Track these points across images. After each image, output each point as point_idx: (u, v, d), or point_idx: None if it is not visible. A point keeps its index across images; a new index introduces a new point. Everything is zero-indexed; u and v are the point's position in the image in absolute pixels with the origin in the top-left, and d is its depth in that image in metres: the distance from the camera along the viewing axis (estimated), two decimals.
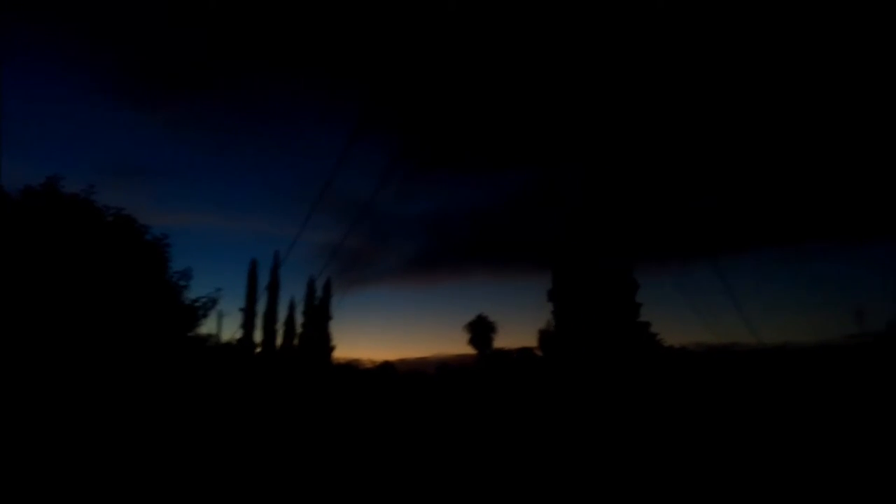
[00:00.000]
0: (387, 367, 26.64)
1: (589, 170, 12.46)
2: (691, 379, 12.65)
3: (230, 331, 25.53)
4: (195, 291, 11.68)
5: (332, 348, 23.36)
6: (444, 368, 25.25)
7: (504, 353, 23.35)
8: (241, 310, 22.28)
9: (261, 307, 23.12)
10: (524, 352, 20.53)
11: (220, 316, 21.28)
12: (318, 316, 23.07)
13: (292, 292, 24.65)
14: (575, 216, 12.10)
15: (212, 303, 11.43)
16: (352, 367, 25.56)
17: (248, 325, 22.10)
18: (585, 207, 11.95)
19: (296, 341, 23.04)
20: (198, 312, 11.13)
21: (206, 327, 16.66)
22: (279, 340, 22.74)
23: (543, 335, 18.52)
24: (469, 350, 26.44)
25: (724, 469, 7.03)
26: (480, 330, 25.26)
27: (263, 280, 22.72)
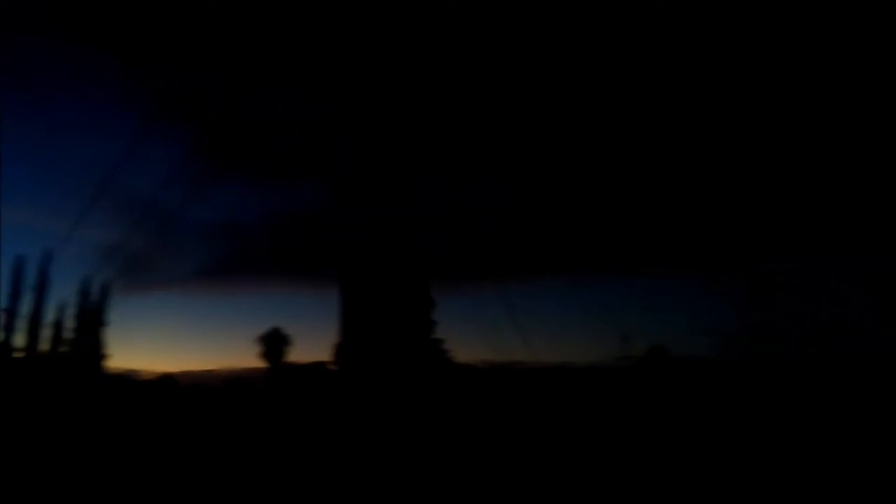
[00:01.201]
0: (167, 379, 25.06)
1: (375, 182, 12.59)
2: (478, 393, 13.17)
3: None
4: None
5: (104, 356, 21.64)
6: (232, 382, 24.20)
7: (296, 367, 22.80)
8: (4, 310, 20.03)
9: (26, 308, 20.99)
10: (317, 366, 20.17)
11: None
12: (92, 321, 21.24)
13: (64, 294, 22.48)
14: (364, 229, 12.20)
15: None
16: (128, 378, 23.83)
17: (9, 328, 19.86)
18: (376, 220, 12.10)
19: (64, 347, 21.07)
20: None
21: None
22: (45, 346, 20.68)
23: (338, 349, 18.36)
24: (260, 363, 25.47)
25: (508, 479, 7.33)
26: (273, 343, 24.46)
27: (30, 279, 20.58)
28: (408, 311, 13.16)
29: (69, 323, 21.68)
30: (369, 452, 9.41)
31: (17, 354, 19.15)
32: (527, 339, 10.20)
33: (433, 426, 10.47)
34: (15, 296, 20.32)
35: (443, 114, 13.62)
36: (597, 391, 12.88)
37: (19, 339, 19.54)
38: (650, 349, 11.48)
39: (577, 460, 8.45)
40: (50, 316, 20.82)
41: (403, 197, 13.64)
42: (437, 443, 9.75)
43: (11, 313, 20.16)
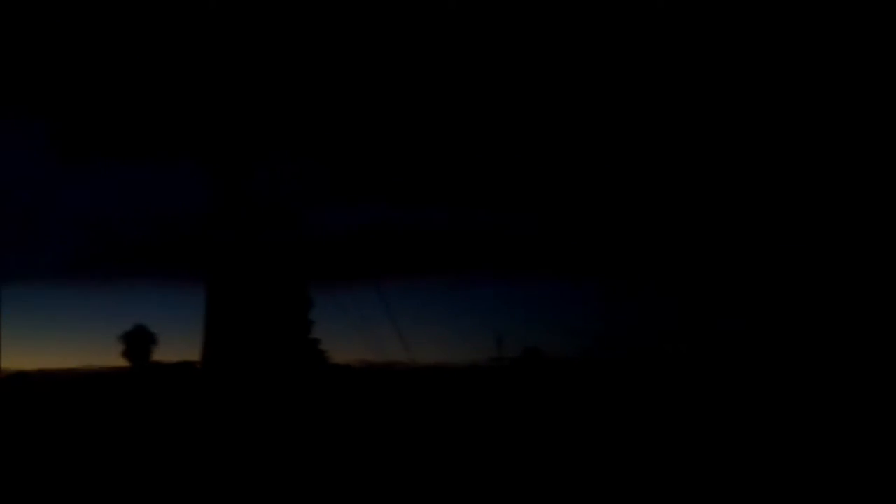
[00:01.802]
0: (18, 377, 23.30)
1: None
2: (353, 394, 13.01)
3: None
4: None
5: None
6: (91, 381, 22.83)
7: (162, 367, 21.76)
8: None
9: None
10: (185, 365, 19.31)
11: None
12: None
13: None
14: (235, 225, 11.80)
15: None
16: None
17: None
18: (249, 217, 11.73)
19: None
20: None
21: None
22: None
23: (206, 348, 17.67)
24: (124, 362, 24.11)
25: (383, 480, 7.22)
26: (137, 341, 23.24)
27: None
28: (282, 310, 12.80)
29: None
30: (236, 453, 9.08)
31: None
32: (404, 339, 10.13)
33: (306, 427, 10.22)
34: None
35: (325, 110, 13.36)
36: (472, 392, 13.06)
37: None
38: (524, 350, 11.72)
39: (451, 460, 8.47)
40: None
41: (278, 194, 13.30)
42: (310, 443, 9.52)
43: None
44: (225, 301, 12.87)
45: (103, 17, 12.71)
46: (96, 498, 7.55)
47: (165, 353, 19.51)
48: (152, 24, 13.23)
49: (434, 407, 12.43)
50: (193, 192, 14.72)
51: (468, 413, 11.53)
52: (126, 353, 23.13)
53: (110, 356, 18.31)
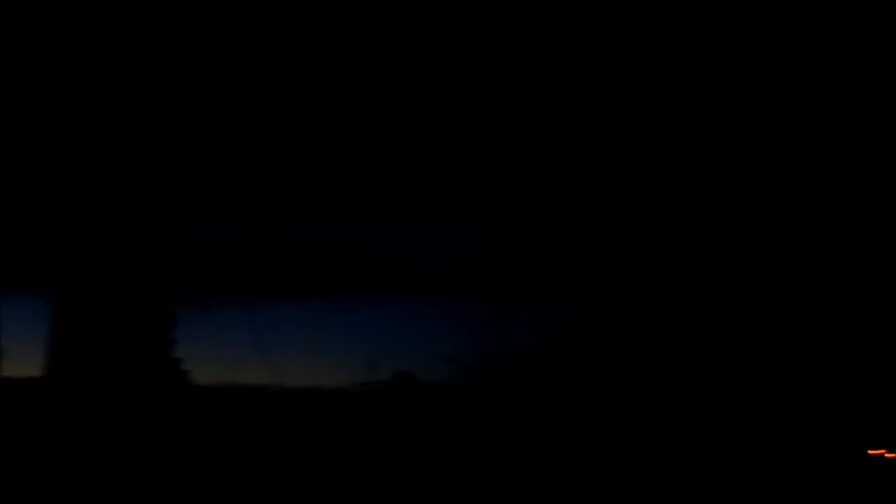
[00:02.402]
0: None
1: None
2: (214, 416, 12.30)
3: None
4: None
5: None
6: None
7: (4, 381, 19.84)
8: None
9: None
10: (29, 381, 17.70)
11: None
12: None
13: None
14: (88, 233, 10.96)
15: None
16: None
17: None
18: (104, 224, 10.91)
19: None
20: None
21: None
22: None
23: (52, 364, 16.24)
24: None
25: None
26: None
27: None
28: (139, 326, 11.98)
29: None
30: (80, 471, 8.39)
31: None
32: (271, 361, 9.67)
33: (160, 448, 9.57)
34: None
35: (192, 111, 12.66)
36: (340, 416, 12.61)
37: None
38: (396, 375, 11.46)
39: (316, 485, 8.15)
40: None
41: (138, 203, 12.43)
42: (163, 465, 8.92)
43: None
44: (72, 314, 11.90)
45: None
46: None
47: (8, 367, 17.88)
48: None
49: (300, 431, 11.93)
50: (42, 192, 13.54)
51: (335, 437, 11.15)
52: None
53: None
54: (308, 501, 6.89)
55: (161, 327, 11.99)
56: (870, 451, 3.81)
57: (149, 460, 8.46)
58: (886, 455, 3.72)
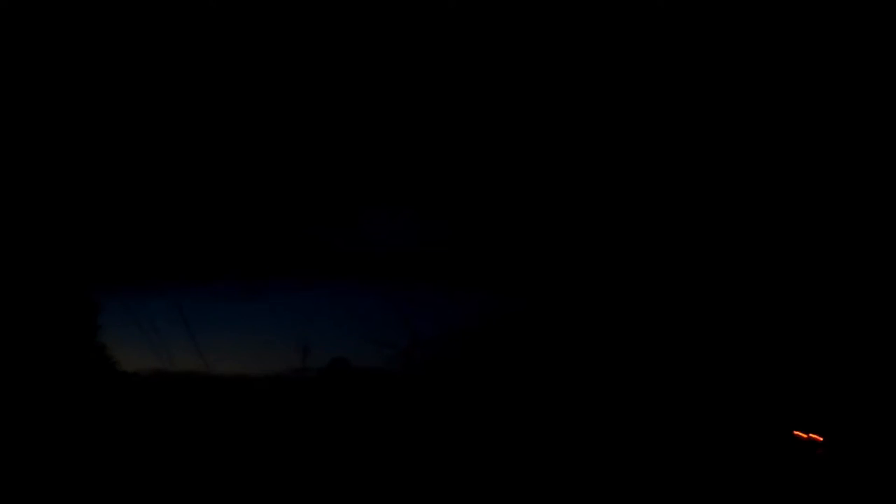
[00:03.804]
0: None
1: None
2: (143, 403, 11.98)
3: None
4: None
5: None
6: None
7: None
8: None
9: None
10: None
11: None
12: None
13: None
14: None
15: None
16: None
17: None
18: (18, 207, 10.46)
19: None
20: None
21: None
22: None
23: None
24: None
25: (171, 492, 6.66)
26: None
27: None
28: (60, 312, 11.56)
29: None
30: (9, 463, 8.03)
31: None
32: (200, 347, 9.42)
33: (87, 436, 9.27)
34: None
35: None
36: (274, 403, 12.44)
37: None
38: (331, 361, 11.32)
39: (249, 473, 8.00)
40: None
41: (58, 181, 11.99)
42: (89, 453, 8.65)
43: None
44: None
45: None
46: None
47: None
48: None
49: (232, 419, 11.73)
50: None
51: (269, 425, 10.99)
52: None
53: None
54: (240, 492, 6.72)
55: (82, 313, 11.54)
56: (796, 433, 3.88)
57: (75, 450, 8.11)
58: (809, 437, 3.79)
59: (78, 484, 6.94)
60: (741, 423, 4.53)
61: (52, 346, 9.21)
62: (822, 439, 4.09)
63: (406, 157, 4.49)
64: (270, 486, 6.88)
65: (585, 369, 4.78)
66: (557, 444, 5.12)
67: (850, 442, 4.51)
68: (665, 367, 4.48)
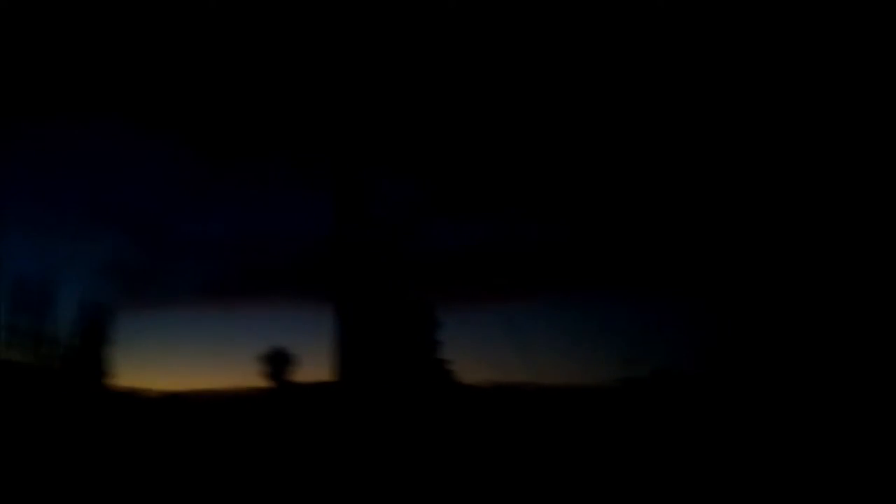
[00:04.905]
0: (171, 398, 25.03)
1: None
2: (482, 415, 13.11)
3: None
4: None
5: (106, 374, 21.57)
6: (236, 401, 24.15)
7: (300, 387, 22.71)
8: (6, 327, 20.08)
9: (30, 326, 21.02)
10: (319, 386, 20.12)
11: None
12: (94, 338, 21.24)
13: (67, 312, 22.51)
14: (362, 247, 12.24)
15: None
16: (131, 396, 23.78)
17: (12, 345, 19.91)
18: (374, 239, 12.16)
19: (66, 364, 21.07)
20: None
21: None
22: (48, 362, 20.69)
23: (337, 369, 18.30)
24: (263, 383, 25.31)
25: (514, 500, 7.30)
26: (275, 362, 24.36)
27: (32, 296, 20.63)
28: (410, 330, 13.16)
29: (72, 341, 21.66)
30: (373, 474, 9.38)
31: (20, 372, 19.22)
32: (531, 359, 10.12)
33: (436, 447, 10.42)
34: (17, 312, 20.35)
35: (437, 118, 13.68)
36: (604, 413, 12.81)
37: (24, 357, 19.61)
38: (653, 371, 11.41)
39: (584, 483, 8.41)
40: (54, 334, 20.90)
41: (403, 217, 13.74)
42: (441, 464, 9.70)
43: (15, 331, 20.14)
44: (353, 321, 13.36)
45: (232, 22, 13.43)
46: None
47: (300, 373, 20.51)
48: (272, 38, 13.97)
49: (565, 429, 12.31)
50: (319, 213, 15.42)
51: (600, 435, 11.35)
52: (266, 374, 24.42)
53: (245, 377, 19.38)
54: (570, 497, 7.17)
55: (426, 330, 13.17)
56: None
57: (428, 454, 9.27)
58: None
59: (419, 487, 7.93)
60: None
61: (404, 360, 10.65)
62: None
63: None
64: (603, 487, 7.20)
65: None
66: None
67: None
68: None
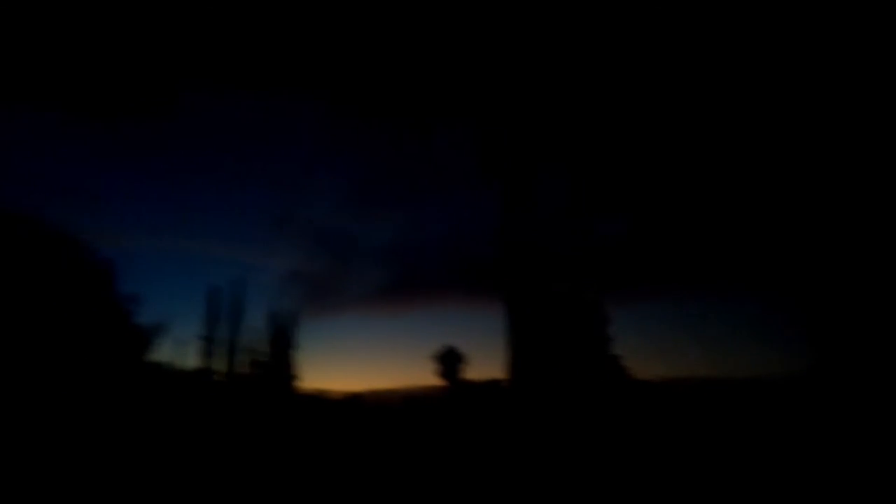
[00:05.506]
0: (354, 399, 26.26)
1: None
2: (660, 410, 12.70)
3: (189, 358, 24.98)
4: (152, 316, 11.56)
5: (295, 378, 23.02)
6: (413, 400, 24.97)
7: (473, 385, 23.11)
8: (203, 337, 21.93)
9: (223, 335, 22.78)
10: (492, 384, 20.38)
11: (179, 343, 20.98)
12: (283, 344, 22.75)
13: (257, 319, 24.33)
14: (532, 245, 12.20)
15: (161, 327, 11.31)
16: (319, 398, 25.19)
17: (208, 353, 21.68)
18: (545, 236, 12.09)
19: (258, 370, 22.66)
20: (147, 337, 10.98)
21: (163, 354, 16.66)
22: (240, 369, 22.34)
23: (510, 366, 18.38)
24: (437, 381, 26.05)
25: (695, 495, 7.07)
26: (448, 360, 24.91)
27: (225, 307, 22.40)
28: (581, 327, 12.98)
29: (262, 347, 23.35)
30: (547, 470, 9.36)
31: (216, 378, 20.87)
32: (708, 352, 9.69)
33: (612, 443, 10.23)
34: (212, 323, 22.21)
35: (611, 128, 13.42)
36: (784, 405, 12.00)
37: (218, 364, 21.34)
38: (810, 365, 10.51)
39: (768, 475, 7.95)
40: (244, 341, 22.60)
41: (572, 212, 13.57)
42: (617, 460, 9.51)
43: (210, 340, 21.98)
44: (524, 318, 13.39)
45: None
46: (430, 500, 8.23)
47: (471, 371, 20.89)
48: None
49: (744, 421, 11.69)
50: (486, 213, 15.64)
51: (782, 428, 10.66)
52: (440, 373, 25.07)
53: (425, 375, 19.93)
54: (750, 491, 6.79)
55: (598, 326, 12.92)
56: None
57: (600, 448, 9.11)
58: None
59: (595, 482, 7.77)
60: None
61: (578, 357, 10.49)
62: None
63: None
64: (785, 481, 6.79)
65: None
66: None
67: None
68: None
